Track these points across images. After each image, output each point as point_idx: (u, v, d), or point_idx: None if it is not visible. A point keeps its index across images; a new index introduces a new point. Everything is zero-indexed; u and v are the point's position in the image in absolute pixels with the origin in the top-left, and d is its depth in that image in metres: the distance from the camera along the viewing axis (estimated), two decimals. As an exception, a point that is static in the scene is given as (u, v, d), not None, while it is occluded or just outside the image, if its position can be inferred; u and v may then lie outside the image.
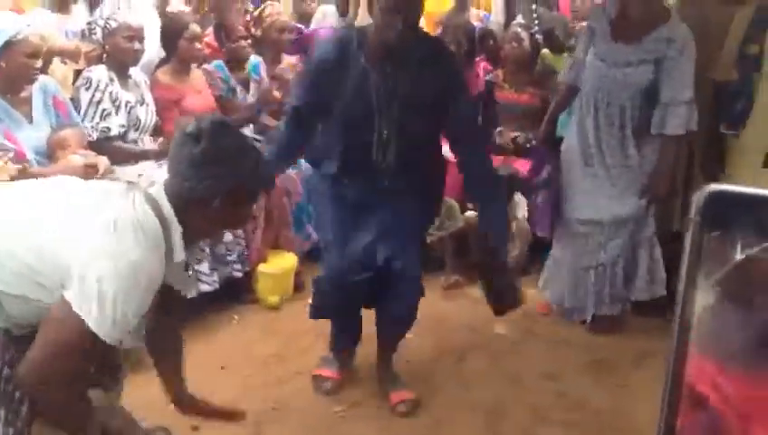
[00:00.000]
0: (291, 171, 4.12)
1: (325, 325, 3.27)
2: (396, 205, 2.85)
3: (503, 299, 3.05)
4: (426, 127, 2.84)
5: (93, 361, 1.96)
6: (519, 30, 4.64)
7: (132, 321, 1.83)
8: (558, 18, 5.43)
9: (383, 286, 2.90)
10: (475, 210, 3.54)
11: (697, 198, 0.50)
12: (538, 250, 4.20)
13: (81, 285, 1.76)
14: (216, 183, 1.89)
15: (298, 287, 4.11)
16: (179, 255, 1.94)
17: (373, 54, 2.74)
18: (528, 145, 4.35)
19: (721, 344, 0.60)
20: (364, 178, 2.87)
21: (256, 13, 4.64)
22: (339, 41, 2.86)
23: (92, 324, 1.76)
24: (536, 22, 5.03)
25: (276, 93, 4.41)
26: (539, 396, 3.19)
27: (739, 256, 0.52)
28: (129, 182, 2.23)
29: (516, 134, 4.46)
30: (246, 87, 4.37)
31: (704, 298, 0.50)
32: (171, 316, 2.28)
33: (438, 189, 3.12)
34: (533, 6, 5.18)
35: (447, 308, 3.99)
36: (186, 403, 2.37)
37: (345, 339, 3.26)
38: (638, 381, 3.27)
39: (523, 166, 4.32)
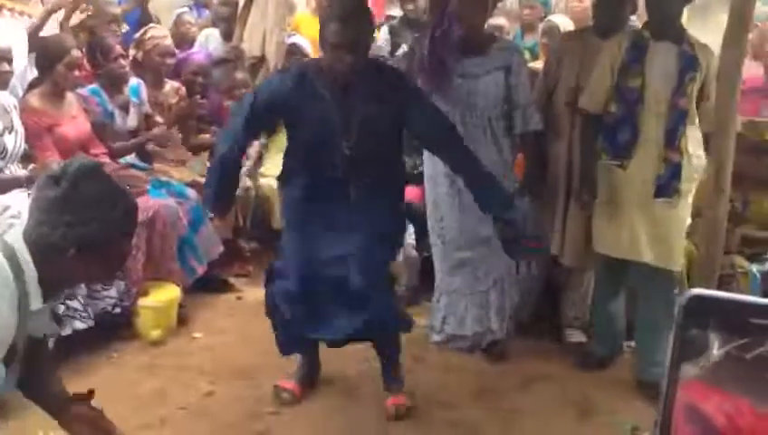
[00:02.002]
0: (174, 202, 3.98)
1: (209, 355, 3.22)
2: (365, 224, 3.00)
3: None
4: (387, 146, 3.08)
5: None
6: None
7: None
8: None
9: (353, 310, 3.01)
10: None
11: (680, 300, 0.53)
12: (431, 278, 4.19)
13: None
14: (70, 232, 1.74)
15: (182, 321, 3.97)
16: (35, 302, 1.80)
17: (329, 83, 2.94)
18: (416, 171, 4.37)
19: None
20: (332, 196, 3.03)
21: (138, 35, 4.50)
22: (294, 74, 3.04)
23: None
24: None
25: (158, 119, 4.27)
26: (430, 425, 3.17)
27: (717, 353, 0.55)
28: None
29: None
30: (126, 110, 4.20)
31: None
32: (40, 362, 2.10)
33: (402, 205, 3.30)
34: (417, 36, 5.26)
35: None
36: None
37: (298, 351, 3.33)
38: (528, 405, 3.33)
39: (412, 193, 4.32)
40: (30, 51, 4.19)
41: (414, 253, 4.28)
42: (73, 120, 3.86)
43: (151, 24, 4.77)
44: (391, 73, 3.17)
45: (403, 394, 3.26)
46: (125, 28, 4.74)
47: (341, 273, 3.00)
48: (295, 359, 3.37)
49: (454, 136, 3.14)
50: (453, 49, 3.62)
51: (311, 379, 3.38)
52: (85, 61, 4.15)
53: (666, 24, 3.33)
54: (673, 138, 3.30)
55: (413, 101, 3.06)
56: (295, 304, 3.06)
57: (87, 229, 1.76)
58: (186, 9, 5.71)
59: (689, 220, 3.47)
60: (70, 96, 3.92)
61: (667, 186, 3.31)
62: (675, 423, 0.53)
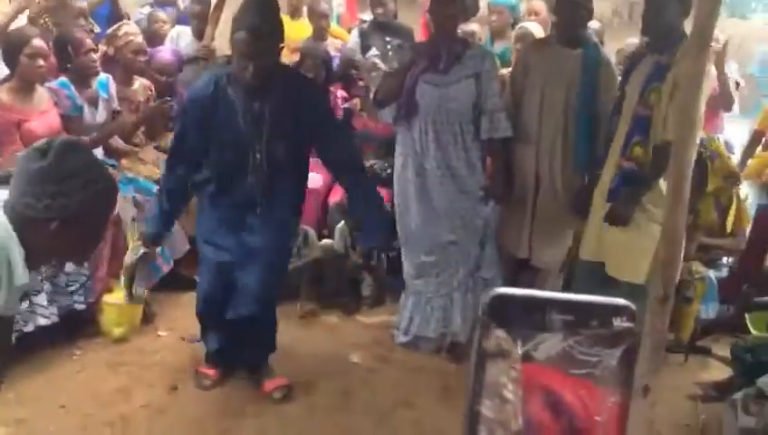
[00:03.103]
0: (142, 200, 3.96)
1: (174, 353, 3.35)
2: (264, 228, 3.16)
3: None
4: (293, 151, 3.14)
5: None
6: (377, 60, 4.72)
7: None
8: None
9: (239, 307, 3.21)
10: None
11: (483, 299, 0.57)
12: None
13: None
14: (54, 204, 1.75)
15: (146, 318, 3.95)
16: (21, 278, 1.78)
17: (239, 90, 3.03)
18: (384, 174, 4.41)
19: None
20: (240, 198, 3.15)
21: (110, 31, 4.47)
22: (210, 78, 3.12)
23: None
24: (390, 54, 5.13)
25: (129, 115, 4.24)
26: (395, 425, 3.21)
27: (520, 351, 0.59)
28: None
29: (373, 162, 4.51)
30: (95, 105, 4.16)
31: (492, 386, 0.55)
32: None
33: (299, 212, 3.41)
34: (387, 39, 5.29)
35: (302, 336, 3.95)
36: None
37: (212, 342, 3.45)
38: (489, 406, 3.36)
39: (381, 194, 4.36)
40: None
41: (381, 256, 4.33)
42: (43, 115, 3.80)
43: (125, 21, 4.74)
44: (308, 87, 3.30)
45: (277, 377, 3.40)
46: (97, 29, 4.70)
47: (238, 274, 3.19)
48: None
49: (355, 165, 3.31)
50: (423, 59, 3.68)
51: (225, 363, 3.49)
52: (52, 55, 4.10)
53: (658, 37, 3.34)
54: (627, 145, 3.34)
55: (318, 117, 3.15)
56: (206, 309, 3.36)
57: (70, 201, 1.76)
58: (152, 7, 5.67)
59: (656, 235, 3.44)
60: (41, 90, 3.86)
61: (616, 192, 3.36)
62: (529, 410, 0.56)
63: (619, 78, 3.66)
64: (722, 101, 5.31)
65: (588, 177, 3.70)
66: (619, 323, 0.57)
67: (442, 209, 3.74)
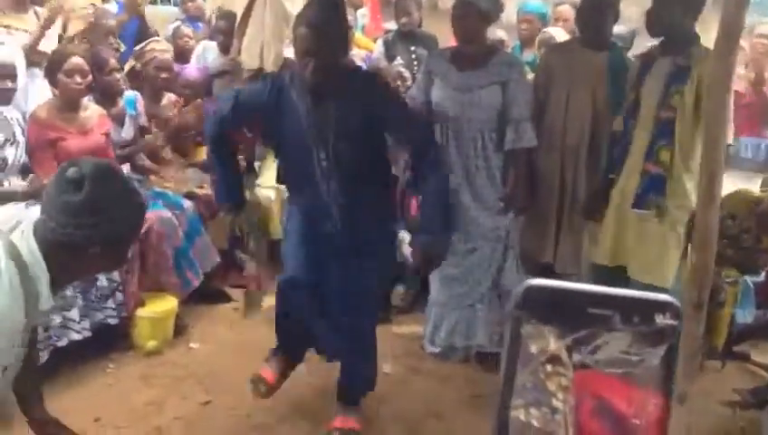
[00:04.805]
0: (170, 214, 4.00)
1: (206, 366, 3.27)
2: (347, 258, 2.96)
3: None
4: (365, 154, 2.94)
5: None
6: (402, 69, 4.72)
7: None
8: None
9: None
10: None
11: (517, 291, 0.53)
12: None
13: None
14: (95, 233, 1.81)
15: (179, 331, 3.98)
16: (46, 303, 1.83)
17: (302, 93, 2.87)
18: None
19: None
20: (315, 207, 2.99)
21: (139, 47, 4.53)
22: (271, 83, 3.00)
23: None
24: (415, 63, 5.12)
25: (155, 132, 4.29)
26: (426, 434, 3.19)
27: (554, 345, 0.56)
28: None
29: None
30: (120, 123, 4.21)
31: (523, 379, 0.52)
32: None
33: (391, 227, 3.24)
34: (412, 48, 5.28)
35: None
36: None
37: (284, 344, 3.24)
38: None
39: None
40: (28, 66, 4.23)
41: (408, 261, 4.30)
42: (84, 135, 3.81)
43: (155, 38, 4.80)
44: (365, 77, 3.12)
45: (352, 417, 3.14)
46: (123, 48, 4.77)
47: (324, 300, 3.01)
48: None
49: (429, 140, 3.07)
50: (449, 70, 3.64)
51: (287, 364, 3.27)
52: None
53: (670, 39, 3.32)
54: (652, 149, 3.30)
55: (388, 110, 2.94)
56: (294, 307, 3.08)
57: (112, 227, 1.83)
58: (182, 23, 5.74)
59: (681, 238, 3.37)
60: (90, 109, 3.89)
61: (642, 198, 3.32)
62: (580, 418, 0.53)
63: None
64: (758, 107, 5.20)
65: (602, 181, 3.64)
66: (662, 320, 0.54)
67: (460, 219, 3.67)
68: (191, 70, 4.98)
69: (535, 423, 0.53)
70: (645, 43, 3.78)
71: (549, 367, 0.53)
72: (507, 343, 0.50)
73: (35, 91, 4.21)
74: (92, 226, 1.80)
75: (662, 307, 0.51)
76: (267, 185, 4.76)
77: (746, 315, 3.94)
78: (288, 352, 3.25)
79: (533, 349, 0.52)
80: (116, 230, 1.85)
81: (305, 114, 2.87)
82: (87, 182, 1.80)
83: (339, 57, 2.88)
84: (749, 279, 3.96)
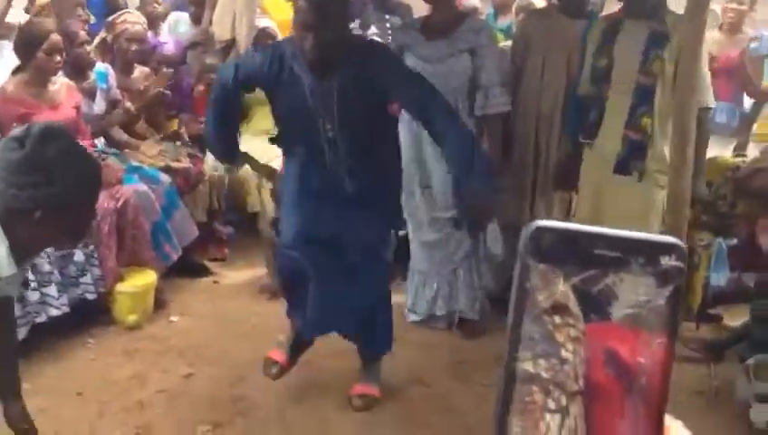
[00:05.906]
0: (146, 188, 3.96)
1: (187, 338, 3.25)
2: (356, 212, 2.93)
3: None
4: (371, 121, 2.92)
5: None
6: (376, 39, 4.68)
7: None
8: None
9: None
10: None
11: (524, 232, 0.54)
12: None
13: None
14: (36, 193, 1.74)
15: (159, 305, 3.97)
16: (6, 269, 1.80)
17: (305, 65, 2.83)
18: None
19: None
20: (321, 178, 2.97)
21: (111, 18, 4.44)
22: (272, 53, 2.96)
23: None
24: (389, 33, 5.10)
25: (128, 105, 4.24)
26: (410, 401, 3.24)
27: (562, 287, 0.57)
28: None
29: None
30: (91, 96, 4.16)
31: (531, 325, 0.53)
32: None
33: (399, 190, 3.23)
34: (386, 17, 5.24)
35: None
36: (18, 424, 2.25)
37: (298, 319, 3.21)
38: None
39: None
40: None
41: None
42: (54, 109, 3.74)
43: (127, 9, 4.72)
44: (376, 52, 3.07)
45: (372, 385, 3.21)
46: (93, 20, 4.68)
47: (338, 248, 2.98)
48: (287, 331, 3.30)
49: (434, 96, 2.94)
50: (418, 40, 3.63)
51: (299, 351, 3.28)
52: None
53: (637, 1, 3.32)
54: (633, 115, 3.32)
55: (387, 67, 2.93)
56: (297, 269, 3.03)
57: (52, 189, 1.75)
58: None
59: (661, 202, 3.41)
60: (58, 84, 3.82)
61: (624, 163, 3.35)
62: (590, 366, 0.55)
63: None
64: (739, 75, 5.20)
65: (572, 148, 3.64)
66: (668, 261, 0.55)
67: (439, 186, 3.71)
68: (165, 45, 4.92)
69: (544, 374, 0.54)
70: (614, 8, 3.78)
71: (557, 318, 0.54)
72: (515, 286, 0.51)
73: (4, 64, 4.13)
74: (32, 185, 1.74)
75: (668, 249, 0.52)
76: (257, 129, 4.66)
77: (720, 278, 4.02)
78: (299, 337, 3.23)
79: (540, 296, 0.53)
80: (58, 194, 1.75)
81: (308, 88, 2.85)
82: (29, 139, 1.74)
83: (339, 31, 2.83)
84: (723, 242, 4.03)
